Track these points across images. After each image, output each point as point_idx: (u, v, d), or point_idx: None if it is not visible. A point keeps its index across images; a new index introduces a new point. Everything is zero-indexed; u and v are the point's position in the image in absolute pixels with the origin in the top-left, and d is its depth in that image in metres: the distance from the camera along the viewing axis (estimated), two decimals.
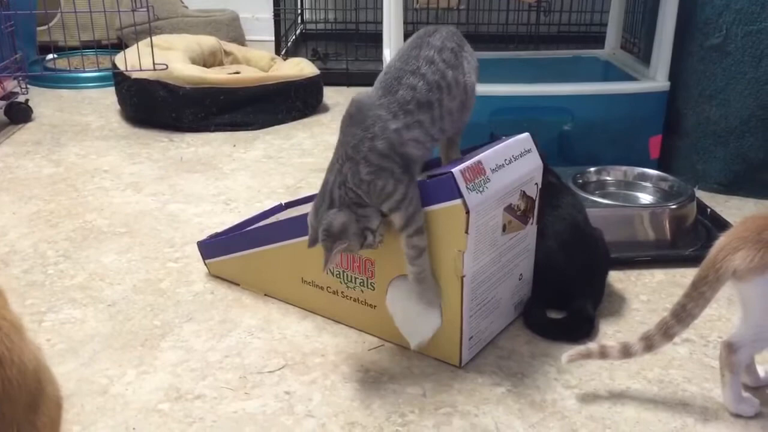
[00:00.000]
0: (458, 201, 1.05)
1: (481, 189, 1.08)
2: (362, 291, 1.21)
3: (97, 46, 2.84)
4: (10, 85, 2.32)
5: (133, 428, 1.02)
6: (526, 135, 1.21)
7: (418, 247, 1.07)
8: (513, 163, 1.16)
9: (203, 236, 1.47)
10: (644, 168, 1.67)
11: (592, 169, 1.67)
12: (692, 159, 1.84)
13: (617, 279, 1.40)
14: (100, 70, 2.74)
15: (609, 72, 2.10)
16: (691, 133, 1.83)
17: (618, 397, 1.09)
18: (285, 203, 1.52)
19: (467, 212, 1.05)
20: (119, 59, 2.35)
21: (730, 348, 1.03)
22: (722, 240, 1.01)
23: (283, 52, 2.86)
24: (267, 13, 3.09)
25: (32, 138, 2.19)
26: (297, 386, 1.11)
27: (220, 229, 1.49)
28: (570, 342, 1.19)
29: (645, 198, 1.64)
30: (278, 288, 1.33)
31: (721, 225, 1.51)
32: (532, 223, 1.23)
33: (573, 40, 2.87)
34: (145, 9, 2.31)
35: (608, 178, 1.68)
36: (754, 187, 1.79)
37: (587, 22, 3.05)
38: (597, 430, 1.03)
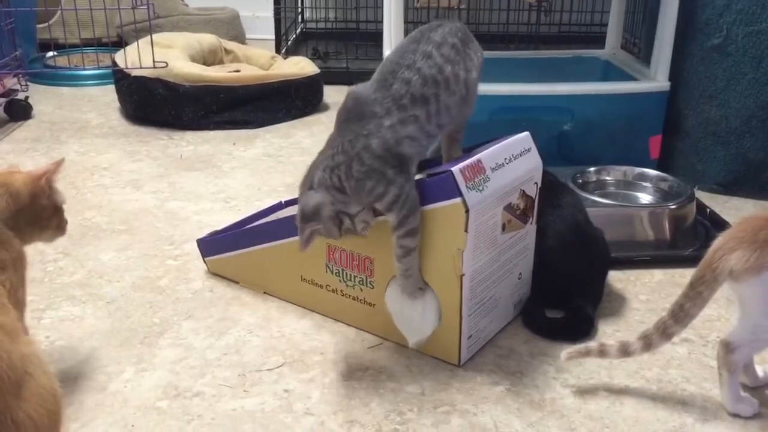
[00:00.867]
0: (458, 200, 1.05)
1: (480, 188, 1.08)
2: (361, 289, 1.21)
3: (98, 43, 2.85)
4: (10, 82, 2.33)
5: (132, 425, 1.02)
6: (526, 134, 1.21)
7: (407, 247, 1.07)
8: (513, 162, 1.16)
9: (202, 234, 1.47)
10: (644, 168, 1.67)
11: (592, 168, 1.67)
12: (692, 159, 1.84)
13: (617, 279, 1.40)
14: (100, 68, 2.74)
15: (609, 72, 2.10)
16: (691, 133, 1.84)
17: (617, 396, 1.09)
18: (284, 201, 1.52)
19: (467, 211, 1.05)
20: (119, 57, 2.35)
21: (727, 347, 1.03)
22: (719, 240, 1.02)
23: (283, 51, 2.86)
24: (267, 12, 3.09)
25: (32, 135, 2.19)
26: (296, 384, 1.11)
27: (219, 227, 1.49)
28: (569, 341, 1.19)
29: (645, 198, 1.64)
30: (277, 286, 1.33)
31: (721, 225, 1.51)
32: (531, 223, 1.23)
33: (573, 40, 2.87)
34: (146, 7, 2.31)
35: (608, 178, 1.68)
36: (753, 187, 1.79)
37: (588, 22, 3.05)
38: (596, 429, 1.03)
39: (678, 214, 1.50)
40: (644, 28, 2.13)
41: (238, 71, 2.44)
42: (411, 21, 2.69)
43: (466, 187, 1.06)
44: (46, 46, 2.79)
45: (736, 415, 1.05)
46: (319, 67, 2.50)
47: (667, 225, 1.50)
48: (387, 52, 2.00)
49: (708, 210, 1.63)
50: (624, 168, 1.68)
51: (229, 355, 1.18)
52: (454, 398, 1.08)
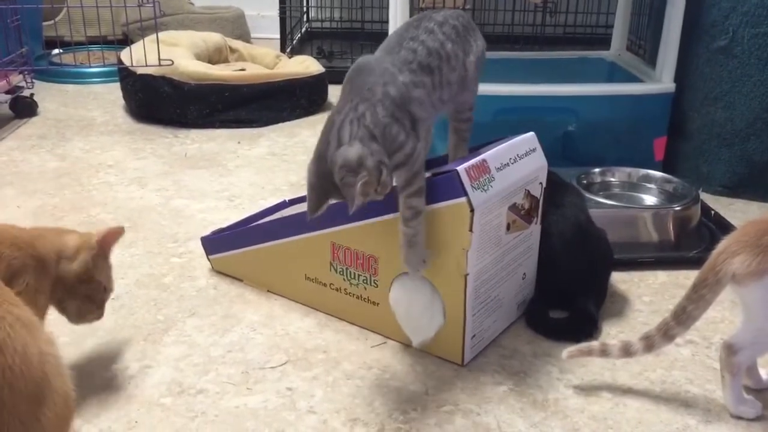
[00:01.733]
0: (463, 199, 1.05)
1: (485, 187, 1.08)
2: (365, 288, 1.21)
3: (103, 41, 2.86)
4: (16, 79, 2.33)
5: (136, 422, 1.03)
6: (531, 134, 1.21)
7: (416, 208, 1.05)
8: (518, 162, 1.16)
9: (207, 232, 1.47)
10: (649, 169, 1.67)
11: (597, 170, 1.67)
12: (697, 161, 1.84)
13: (620, 280, 1.40)
14: (105, 66, 2.74)
15: (614, 73, 2.10)
16: (696, 135, 1.83)
17: (620, 397, 1.09)
18: (289, 200, 1.52)
19: (472, 210, 1.05)
20: (125, 55, 2.35)
21: (730, 349, 1.03)
22: (723, 243, 1.02)
23: (288, 50, 2.86)
24: (273, 11, 3.10)
25: (37, 132, 2.20)
26: (299, 382, 1.11)
27: (223, 225, 1.49)
28: (572, 342, 1.18)
29: (649, 199, 1.63)
30: (281, 284, 1.33)
31: (725, 227, 1.51)
32: (536, 223, 1.23)
33: (579, 42, 2.86)
34: (152, 5, 2.32)
35: (612, 179, 1.68)
36: (758, 189, 1.78)
37: (593, 24, 3.05)
38: (599, 430, 1.03)
39: (682, 215, 1.50)
40: (650, 29, 2.13)
41: (243, 70, 2.44)
42: None
43: (471, 186, 1.06)
44: (51, 43, 2.80)
45: (739, 417, 1.05)
46: (324, 67, 2.50)
47: (671, 226, 1.49)
48: None
49: (713, 212, 1.63)
50: (629, 169, 1.67)
51: (233, 352, 1.18)
52: (457, 398, 1.09)
